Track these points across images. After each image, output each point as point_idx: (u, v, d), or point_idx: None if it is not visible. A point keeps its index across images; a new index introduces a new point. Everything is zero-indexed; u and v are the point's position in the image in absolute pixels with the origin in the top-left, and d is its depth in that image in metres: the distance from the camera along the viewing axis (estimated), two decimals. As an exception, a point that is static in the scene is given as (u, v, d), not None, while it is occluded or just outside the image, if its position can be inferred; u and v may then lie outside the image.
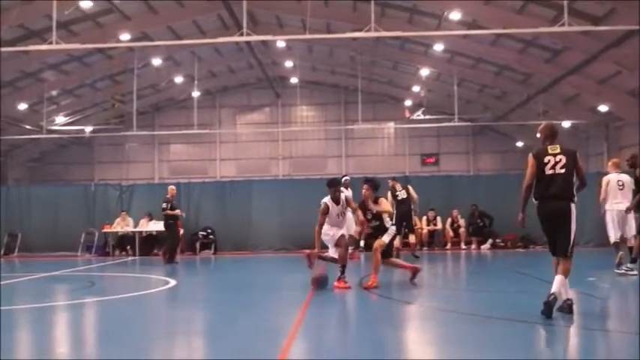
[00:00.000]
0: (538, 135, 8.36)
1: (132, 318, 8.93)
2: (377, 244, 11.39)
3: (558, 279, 7.90)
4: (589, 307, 9.25)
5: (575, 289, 9.66)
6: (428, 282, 12.57)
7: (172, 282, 13.30)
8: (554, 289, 7.82)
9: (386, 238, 11.53)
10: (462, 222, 23.81)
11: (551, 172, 7.93)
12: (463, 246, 23.55)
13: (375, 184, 12.18)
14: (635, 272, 11.71)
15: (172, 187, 20.12)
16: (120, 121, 43.61)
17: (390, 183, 18.21)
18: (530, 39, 30.31)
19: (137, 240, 23.48)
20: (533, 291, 10.22)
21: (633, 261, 11.75)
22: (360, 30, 24.34)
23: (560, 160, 7.95)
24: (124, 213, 24.11)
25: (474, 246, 23.47)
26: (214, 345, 7.04)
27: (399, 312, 9.40)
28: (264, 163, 47.67)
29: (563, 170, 7.94)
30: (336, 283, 11.23)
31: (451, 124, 38.26)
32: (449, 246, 23.61)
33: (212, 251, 23.81)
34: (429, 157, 47.77)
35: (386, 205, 12.04)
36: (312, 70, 45.07)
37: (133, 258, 22.43)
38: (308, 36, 26.67)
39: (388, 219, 11.97)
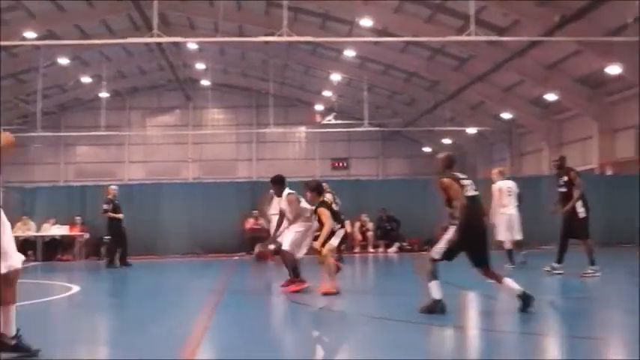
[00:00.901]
0: (439, 163, 8.65)
1: (30, 327, 8.65)
2: (326, 249, 10.84)
3: (510, 280, 8.38)
4: (490, 307, 9.58)
5: (477, 291, 9.97)
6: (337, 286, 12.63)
7: (76, 288, 12.97)
8: (518, 290, 8.24)
9: (334, 242, 11.27)
10: (370, 225, 24.08)
11: (470, 193, 8.30)
12: (371, 249, 23.83)
13: (318, 189, 11.31)
14: (599, 273, 12.05)
15: (113, 187, 19.42)
16: (24, 121, 42.19)
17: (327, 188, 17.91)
18: (439, 47, 31.06)
19: (40, 245, 22.80)
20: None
21: (592, 263, 12.09)
22: (272, 34, 24.43)
23: (471, 183, 8.41)
24: (25, 217, 23.36)
25: (381, 249, 23.77)
26: (116, 352, 6.93)
27: (308, 316, 9.44)
28: (174, 166, 47.10)
29: (477, 192, 8.43)
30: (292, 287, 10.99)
31: (361, 129, 38.73)
32: (357, 249, 23.83)
33: (117, 256, 23.34)
34: (339, 161, 48.18)
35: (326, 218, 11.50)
36: (224, 73, 44.88)
37: (35, 263, 21.76)
38: (220, 39, 26.56)
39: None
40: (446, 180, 8.31)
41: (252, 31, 31.48)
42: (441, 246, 8.23)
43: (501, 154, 41.45)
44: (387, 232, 24.01)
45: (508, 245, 14.53)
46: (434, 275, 8.22)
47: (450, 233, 8.18)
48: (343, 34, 30.92)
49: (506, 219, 14.52)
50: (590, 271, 12.01)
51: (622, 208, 20.24)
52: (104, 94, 39.84)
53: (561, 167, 12.77)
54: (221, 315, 9.15)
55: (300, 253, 11.14)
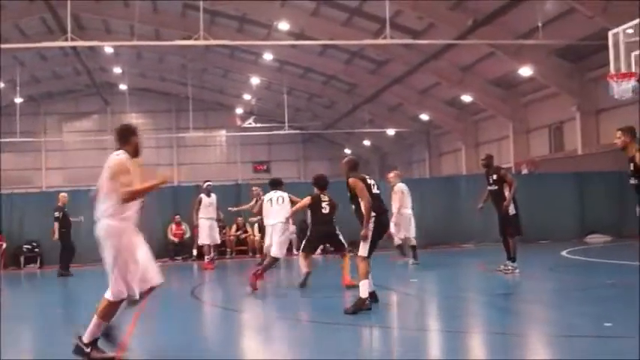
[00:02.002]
0: (344, 167, 9.22)
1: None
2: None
3: (370, 280, 8.67)
4: (414, 306, 9.86)
5: (399, 289, 10.22)
6: (259, 288, 12.70)
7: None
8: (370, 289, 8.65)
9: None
10: (292, 229, 24.11)
11: (375, 192, 8.84)
12: (295, 252, 23.88)
13: (316, 183, 12.24)
14: (518, 270, 12.26)
15: (64, 194, 18.90)
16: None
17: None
18: (356, 50, 31.42)
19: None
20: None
21: (513, 260, 12.24)
22: (189, 37, 24.27)
23: (375, 183, 8.98)
24: None
25: (305, 251, 23.88)
26: (45, 355, 6.87)
27: (236, 320, 9.53)
28: (94, 172, 45.68)
29: (379, 191, 9.02)
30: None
31: (281, 132, 38.87)
32: (281, 252, 23.82)
33: (37, 265, 22.79)
34: (260, 164, 48.24)
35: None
36: (142, 77, 44.32)
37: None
38: (136, 42, 26.25)
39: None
40: (351, 180, 8.78)
41: (168, 35, 31.20)
42: (364, 243, 8.56)
43: (420, 154, 42.23)
44: (310, 235, 24.10)
45: (413, 242, 15.28)
46: (367, 274, 8.47)
47: (369, 229, 8.54)
48: (261, 38, 31.00)
49: (409, 219, 15.27)
50: (510, 268, 12.31)
51: (537, 205, 20.80)
52: (18, 100, 38.81)
53: (489, 165, 12.75)
54: (145, 319, 9.13)
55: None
